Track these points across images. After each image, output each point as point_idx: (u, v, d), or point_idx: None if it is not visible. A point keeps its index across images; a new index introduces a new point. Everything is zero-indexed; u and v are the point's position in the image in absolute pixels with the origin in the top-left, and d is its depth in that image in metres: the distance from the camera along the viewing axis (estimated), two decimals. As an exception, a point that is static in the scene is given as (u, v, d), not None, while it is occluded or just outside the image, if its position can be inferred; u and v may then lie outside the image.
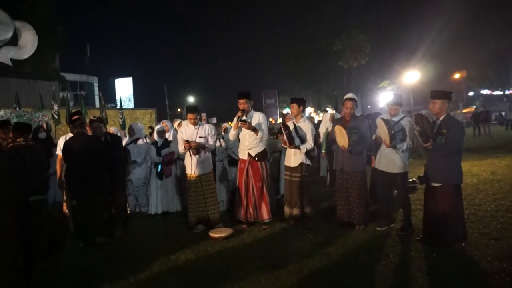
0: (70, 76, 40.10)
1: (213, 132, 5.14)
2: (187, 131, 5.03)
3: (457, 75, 34.29)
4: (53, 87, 12.56)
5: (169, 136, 6.33)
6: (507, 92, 37.11)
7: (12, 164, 3.34)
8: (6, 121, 4.38)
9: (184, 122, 5.39)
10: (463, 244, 3.86)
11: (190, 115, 4.99)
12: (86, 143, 4.53)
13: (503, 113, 27.63)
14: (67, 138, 5.21)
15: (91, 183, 4.49)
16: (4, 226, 3.07)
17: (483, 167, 8.66)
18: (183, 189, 6.09)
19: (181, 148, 4.99)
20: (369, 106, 37.32)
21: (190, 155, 4.90)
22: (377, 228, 4.59)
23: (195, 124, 5.01)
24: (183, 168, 6.19)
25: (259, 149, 4.94)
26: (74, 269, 3.87)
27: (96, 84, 50.60)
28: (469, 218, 4.64)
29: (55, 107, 10.59)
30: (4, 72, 11.66)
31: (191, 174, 4.97)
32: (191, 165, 4.93)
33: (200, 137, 4.96)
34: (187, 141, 4.83)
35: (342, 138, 4.62)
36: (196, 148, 4.83)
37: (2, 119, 4.68)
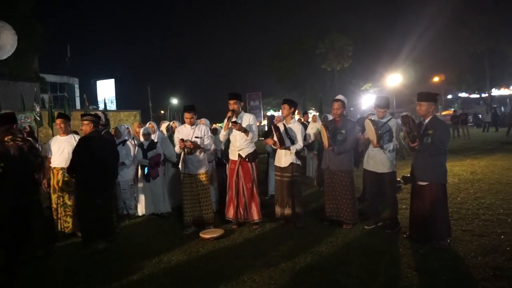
0: (50, 78, 39.15)
1: (209, 133, 5.15)
2: (183, 131, 5.04)
3: (436, 79, 35.24)
4: (35, 88, 12.26)
5: (154, 137, 6.29)
6: (483, 95, 38.34)
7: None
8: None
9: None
10: (448, 241, 4.00)
11: (186, 114, 4.98)
12: (92, 144, 4.47)
13: (480, 116, 28.63)
14: (54, 139, 5.16)
15: (94, 185, 4.40)
16: None
17: (463, 167, 8.97)
18: (172, 190, 6.08)
19: (177, 147, 4.99)
20: (351, 108, 37.83)
21: (185, 154, 4.90)
22: (365, 227, 4.70)
23: (191, 124, 5.01)
24: (172, 169, 6.18)
25: (250, 150, 4.97)
26: (65, 271, 3.82)
27: (77, 86, 49.53)
28: (453, 216, 4.80)
29: (37, 109, 10.36)
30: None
31: (186, 174, 4.97)
32: (186, 165, 4.94)
33: (196, 137, 4.97)
34: (182, 140, 4.84)
35: (324, 138, 4.75)
36: (192, 148, 4.84)
37: None
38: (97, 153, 4.39)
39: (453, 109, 28.39)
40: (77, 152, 4.41)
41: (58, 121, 5.10)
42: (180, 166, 5.10)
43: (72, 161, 4.43)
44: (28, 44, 19.75)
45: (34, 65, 24.44)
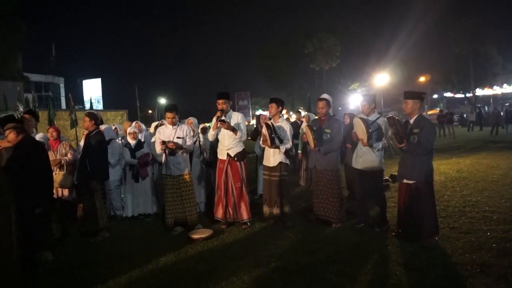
0: (34, 77, 38.30)
1: (192, 133, 5.07)
2: (165, 131, 4.95)
3: (422, 79, 35.80)
4: (18, 87, 11.97)
5: (141, 137, 6.20)
6: (468, 95, 39.07)
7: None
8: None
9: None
10: (436, 238, 4.04)
11: (168, 114, 4.88)
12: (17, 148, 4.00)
13: (465, 115, 29.18)
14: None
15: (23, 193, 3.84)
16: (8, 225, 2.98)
17: (449, 166, 9.10)
18: (159, 191, 6.00)
19: (158, 148, 4.89)
20: (339, 108, 38.12)
21: (167, 155, 4.82)
22: (355, 225, 4.71)
23: (173, 124, 4.92)
24: (159, 169, 6.10)
25: (238, 149, 4.94)
26: (49, 275, 3.71)
27: (62, 85, 48.76)
28: (440, 214, 4.85)
29: (21, 108, 10.11)
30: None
31: (168, 175, 4.89)
32: (168, 166, 4.86)
33: (178, 137, 4.87)
34: (163, 142, 4.76)
35: (309, 138, 4.75)
36: (173, 149, 4.76)
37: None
38: (30, 161, 3.97)
39: (438, 109, 28.85)
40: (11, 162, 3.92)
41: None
42: (163, 167, 5.00)
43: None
44: (11, 43, 19.31)
45: (18, 64, 23.93)
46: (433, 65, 36.32)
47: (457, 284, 3.08)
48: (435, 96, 44.98)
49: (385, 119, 4.38)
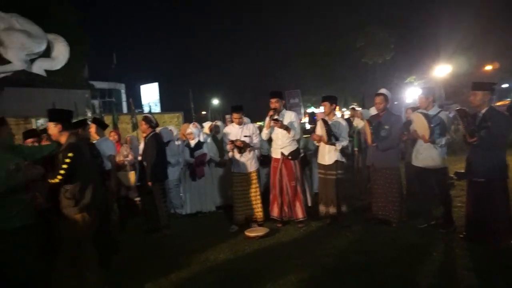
0: (98, 84, 41.23)
1: (258, 131, 5.19)
2: (232, 131, 5.13)
3: (489, 67, 32.87)
4: (86, 95, 13.03)
5: (201, 137, 6.39)
6: (544, 82, 35.20)
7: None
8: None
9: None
10: (511, 242, 3.69)
11: (235, 115, 5.06)
12: None
13: (541, 105, 26.35)
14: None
15: None
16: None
17: (523, 162, 8.26)
18: (217, 189, 6.19)
19: (227, 147, 5.08)
20: (396, 102, 36.32)
21: (234, 154, 4.99)
22: (417, 226, 4.47)
23: (240, 123, 5.08)
24: (216, 168, 6.28)
25: (292, 148, 4.93)
26: (115, 268, 3.94)
27: (123, 91, 51.94)
28: (514, 214, 4.43)
29: (89, 114, 11.01)
30: (41, 83, 12.19)
31: (237, 172, 5.05)
32: (237, 164, 5.03)
33: (245, 136, 5.03)
34: (231, 141, 4.92)
35: (367, 134, 4.64)
36: (241, 147, 4.90)
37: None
38: None
39: (509, 99, 26.38)
40: None
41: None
42: (233, 165, 5.16)
43: None
44: (77, 54, 20.95)
45: (84, 73, 25.94)
46: (501, 52, 33.18)
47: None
48: (505, 85, 41.06)
49: (448, 111, 4.10)
